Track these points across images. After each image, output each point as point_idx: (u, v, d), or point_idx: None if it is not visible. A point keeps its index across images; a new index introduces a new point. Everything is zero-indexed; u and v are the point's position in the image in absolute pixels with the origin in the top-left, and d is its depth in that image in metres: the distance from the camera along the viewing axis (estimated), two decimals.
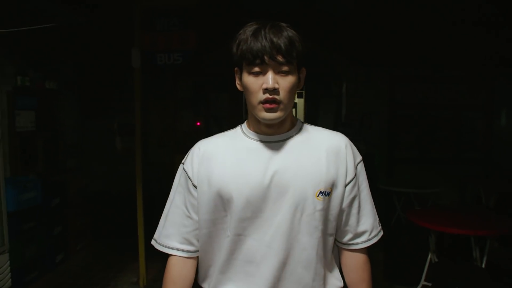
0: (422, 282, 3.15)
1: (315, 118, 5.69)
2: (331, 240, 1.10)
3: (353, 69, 5.39)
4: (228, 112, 5.56)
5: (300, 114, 6.98)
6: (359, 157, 1.13)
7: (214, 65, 4.73)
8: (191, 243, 1.12)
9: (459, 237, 3.29)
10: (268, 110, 1.00)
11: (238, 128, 1.15)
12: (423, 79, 5.45)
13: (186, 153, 1.16)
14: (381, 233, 1.16)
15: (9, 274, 3.19)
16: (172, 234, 1.12)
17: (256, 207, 1.02)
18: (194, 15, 3.26)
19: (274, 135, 1.08)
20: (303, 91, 6.19)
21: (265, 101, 0.99)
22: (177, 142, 5.40)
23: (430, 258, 3.15)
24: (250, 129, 1.11)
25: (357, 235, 1.12)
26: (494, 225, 2.98)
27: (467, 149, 5.57)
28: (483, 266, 2.99)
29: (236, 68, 1.08)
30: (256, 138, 1.09)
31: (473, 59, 4.81)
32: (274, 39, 0.97)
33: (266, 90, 0.98)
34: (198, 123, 5.61)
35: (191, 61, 3.47)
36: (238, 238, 1.04)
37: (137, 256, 3.54)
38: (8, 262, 3.18)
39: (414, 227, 3.26)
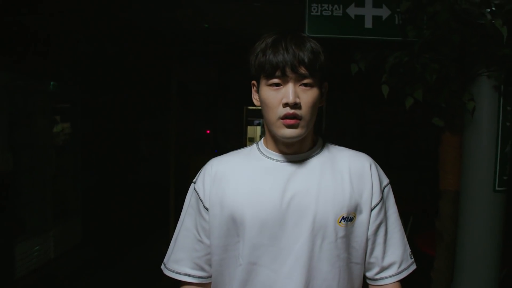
0: None
1: None
2: (357, 269, 0.99)
3: (332, 93, 6.77)
4: (232, 124, 6.99)
5: None
6: (386, 180, 1.04)
7: (222, 86, 6.15)
8: (202, 269, 1.03)
9: None
10: (289, 127, 0.91)
11: (254, 146, 1.06)
12: (386, 102, 6.83)
13: (198, 172, 1.07)
14: (414, 266, 1.04)
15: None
16: (182, 259, 1.04)
17: (272, 233, 0.92)
18: (215, 56, 4.67)
19: (294, 154, 0.98)
20: None
21: (285, 117, 0.90)
22: (191, 146, 6.80)
23: None
24: (267, 148, 1.02)
25: (384, 268, 1.00)
26: (414, 206, 4.47)
27: (421, 158, 6.95)
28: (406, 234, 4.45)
29: (253, 81, 1.00)
30: (274, 157, 0.99)
31: None
32: (296, 49, 0.90)
33: (286, 105, 0.90)
34: (208, 131, 7.03)
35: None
36: (252, 268, 0.94)
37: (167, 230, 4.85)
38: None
39: None
